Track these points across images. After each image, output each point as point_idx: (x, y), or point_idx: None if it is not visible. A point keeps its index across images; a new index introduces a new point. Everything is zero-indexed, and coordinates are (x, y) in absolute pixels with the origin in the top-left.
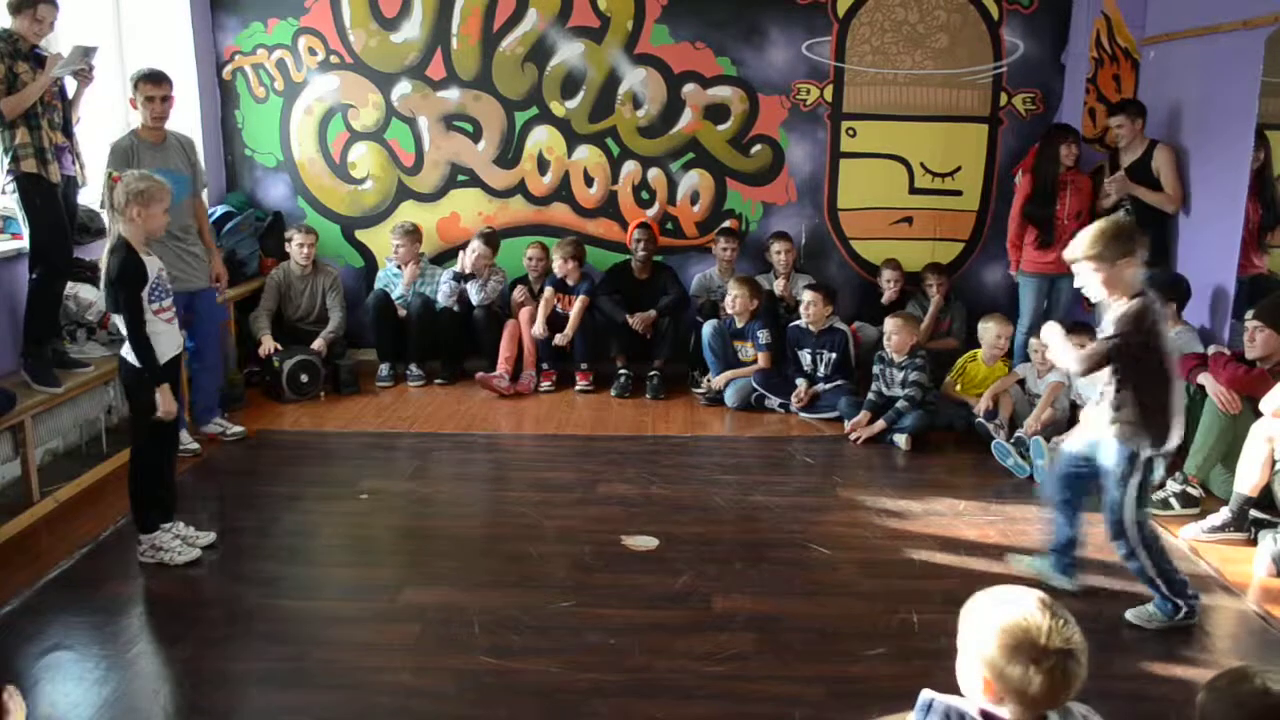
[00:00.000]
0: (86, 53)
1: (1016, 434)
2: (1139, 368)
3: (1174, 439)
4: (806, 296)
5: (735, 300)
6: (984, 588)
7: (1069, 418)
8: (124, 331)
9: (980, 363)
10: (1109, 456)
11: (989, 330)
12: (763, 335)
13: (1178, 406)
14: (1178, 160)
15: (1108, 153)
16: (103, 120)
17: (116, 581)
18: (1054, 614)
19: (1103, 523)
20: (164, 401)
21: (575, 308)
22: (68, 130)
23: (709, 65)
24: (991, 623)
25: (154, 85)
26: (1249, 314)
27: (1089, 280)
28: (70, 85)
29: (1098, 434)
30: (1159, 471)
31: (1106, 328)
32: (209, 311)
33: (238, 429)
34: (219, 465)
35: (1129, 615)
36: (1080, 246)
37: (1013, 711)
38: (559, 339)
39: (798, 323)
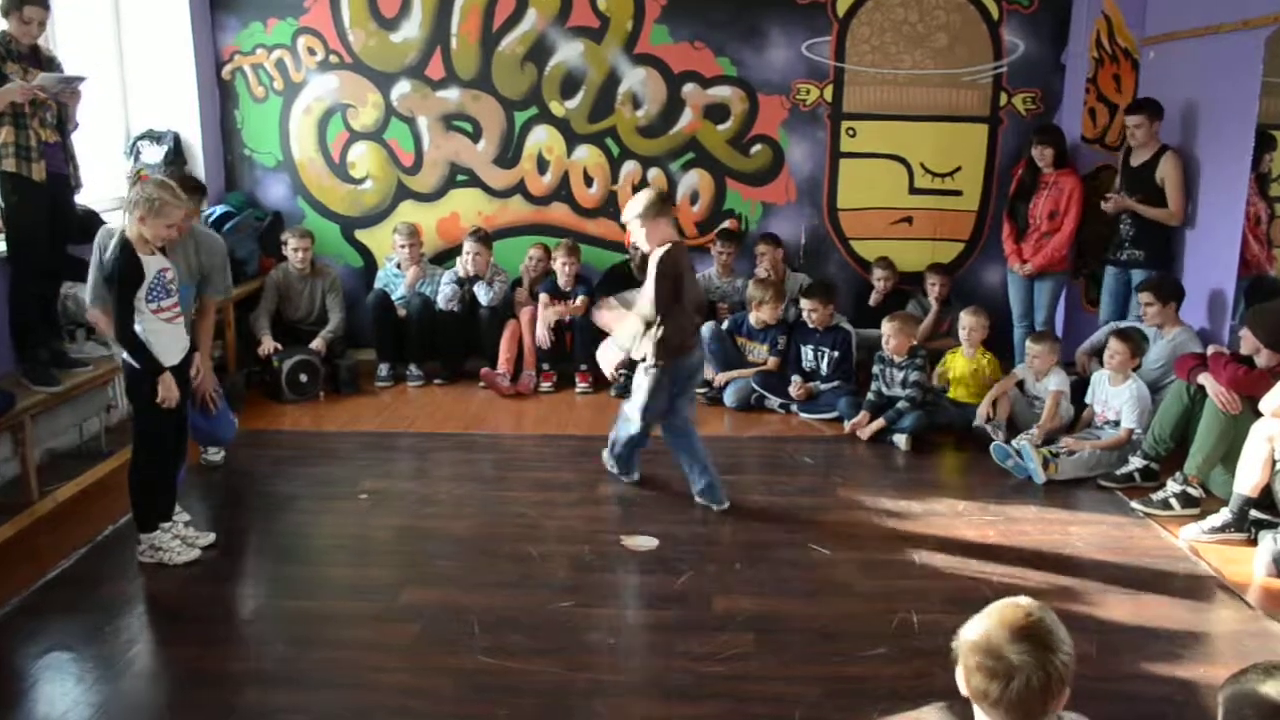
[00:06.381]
0: (68, 81)
1: (1019, 438)
2: None
3: None
4: (805, 304)
5: (811, 314)
6: (983, 588)
7: (1072, 423)
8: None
9: (960, 355)
10: None
11: (961, 324)
12: (781, 340)
13: None
14: (1185, 170)
15: (1119, 153)
16: (99, 120)
17: (116, 581)
18: (1023, 634)
19: None
20: (164, 388)
21: (577, 308)
22: (62, 129)
23: (709, 65)
24: (968, 634)
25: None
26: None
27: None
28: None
29: None
30: None
31: None
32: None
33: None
34: (219, 465)
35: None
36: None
37: None
38: (541, 332)
39: (802, 319)
